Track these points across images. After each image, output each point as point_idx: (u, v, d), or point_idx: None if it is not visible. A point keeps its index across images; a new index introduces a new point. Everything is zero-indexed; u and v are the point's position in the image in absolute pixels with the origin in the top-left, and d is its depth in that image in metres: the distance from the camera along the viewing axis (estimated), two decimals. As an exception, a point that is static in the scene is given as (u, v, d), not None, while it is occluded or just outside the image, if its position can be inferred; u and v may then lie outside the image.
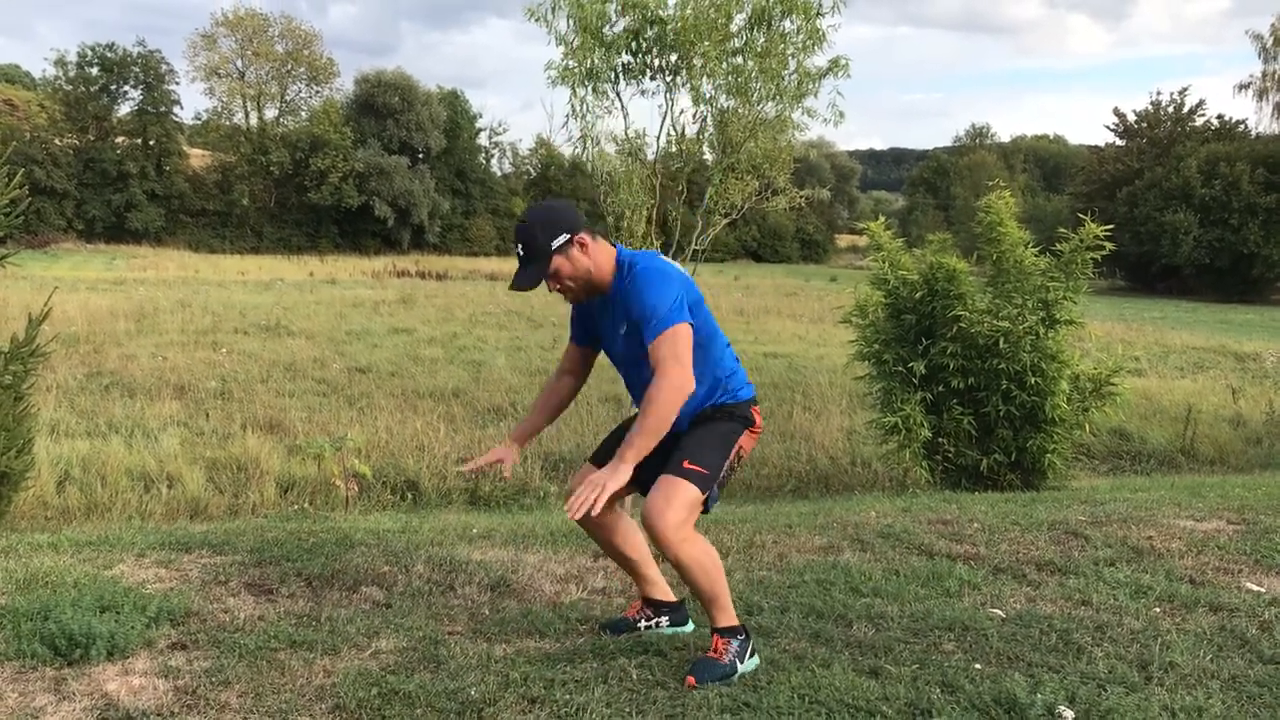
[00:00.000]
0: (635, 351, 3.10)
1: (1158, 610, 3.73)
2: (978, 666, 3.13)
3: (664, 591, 3.53)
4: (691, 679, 3.00)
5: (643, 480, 3.17)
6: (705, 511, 3.16)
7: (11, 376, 5.97)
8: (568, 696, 2.86)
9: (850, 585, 3.96)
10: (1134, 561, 4.39)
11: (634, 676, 3.03)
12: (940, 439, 8.07)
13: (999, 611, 3.68)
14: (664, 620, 3.52)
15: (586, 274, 3.10)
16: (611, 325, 3.19)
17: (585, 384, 3.54)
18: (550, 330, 20.35)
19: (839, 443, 10.72)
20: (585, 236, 3.07)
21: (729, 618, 3.14)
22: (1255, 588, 4.02)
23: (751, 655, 3.15)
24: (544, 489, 8.88)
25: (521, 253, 3.08)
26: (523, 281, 3.08)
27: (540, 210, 3.13)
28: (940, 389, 8.02)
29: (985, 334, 7.88)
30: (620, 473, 2.89)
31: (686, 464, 3.08)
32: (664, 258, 3.19)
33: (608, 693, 2.91)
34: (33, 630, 3.14)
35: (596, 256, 3.10)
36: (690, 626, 3.53)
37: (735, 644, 3.11)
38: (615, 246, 3.18)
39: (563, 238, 3.04)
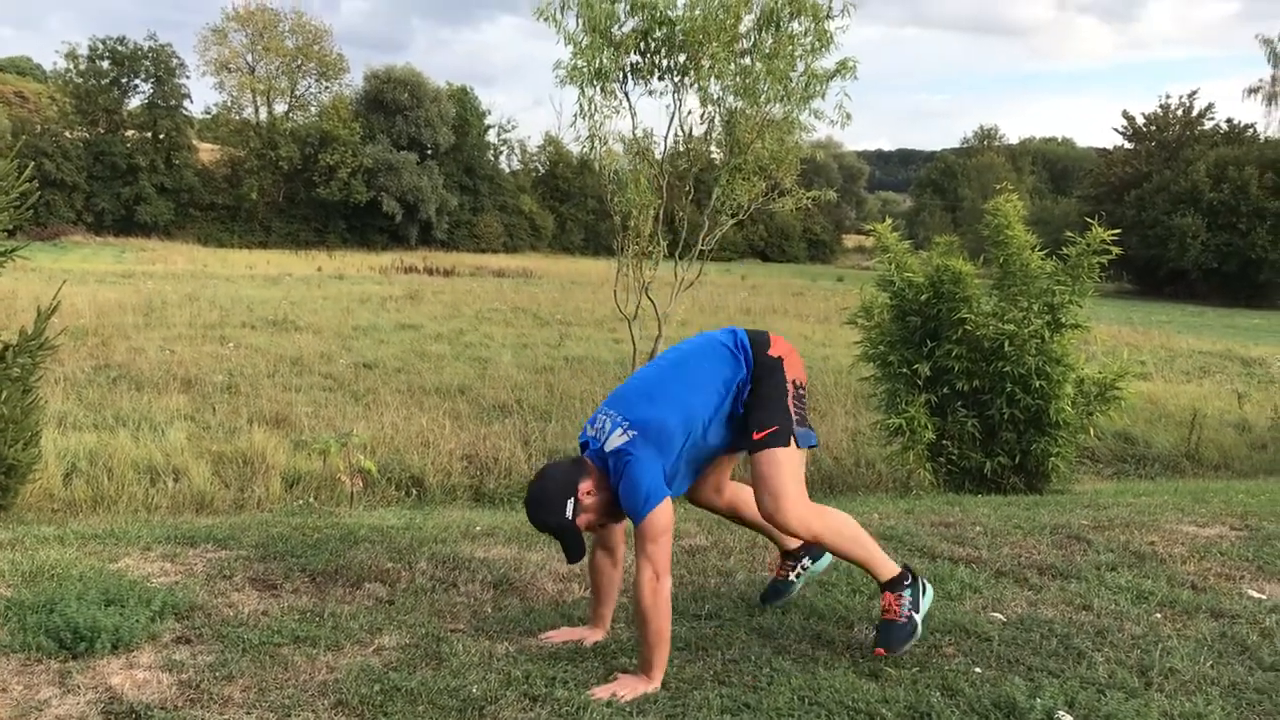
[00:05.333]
0: None
1: (1159, 615, 3.73)
2: (978, 670, 3.14)
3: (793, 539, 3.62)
4: (880, 649, 3.14)
5: (735, 445, 3.32)
6: (812, 446, 3.24)
7: (20, 369, 6.00)
8: (569, 695, 2.87)
9: (852, 586, 3.97)
10: (1136, 566, 4.39)
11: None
12: (944, 441, 8.07)
13: (1000, 615, 3.69)
14: (806, 561, 3.66)
15: (606, 504, 3.13)
16: None
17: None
18: (556, 328, 20.37)
19: (843, 443, 10.71)
20: (585, 484, 3.09)
21: (888, 569, 3.25)
22: (1257, 594, 4.02)
23: (924, 592, 3.25)
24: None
25: (553, 536, 3.13)
26: (574, 555, 3.11)
27: (534, 503, 3.10)
28: (945, 391, 8.03)
29: (990, 337, 7.89)
30: (652, 687, 2.94)
31: (755, 435, 3.15)
32: (622, 434, 3.09)
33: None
34: (38, 623, 3.16)
35: (601, 488, 3.12)
36: (829, 557, 3.66)
37: (906, 595, 3.20)
38: (587, 459, 3.14)
39: (569, 505, 3.06)
